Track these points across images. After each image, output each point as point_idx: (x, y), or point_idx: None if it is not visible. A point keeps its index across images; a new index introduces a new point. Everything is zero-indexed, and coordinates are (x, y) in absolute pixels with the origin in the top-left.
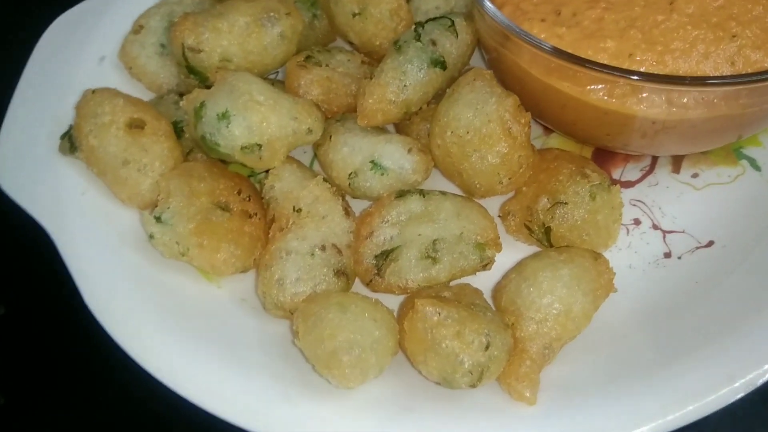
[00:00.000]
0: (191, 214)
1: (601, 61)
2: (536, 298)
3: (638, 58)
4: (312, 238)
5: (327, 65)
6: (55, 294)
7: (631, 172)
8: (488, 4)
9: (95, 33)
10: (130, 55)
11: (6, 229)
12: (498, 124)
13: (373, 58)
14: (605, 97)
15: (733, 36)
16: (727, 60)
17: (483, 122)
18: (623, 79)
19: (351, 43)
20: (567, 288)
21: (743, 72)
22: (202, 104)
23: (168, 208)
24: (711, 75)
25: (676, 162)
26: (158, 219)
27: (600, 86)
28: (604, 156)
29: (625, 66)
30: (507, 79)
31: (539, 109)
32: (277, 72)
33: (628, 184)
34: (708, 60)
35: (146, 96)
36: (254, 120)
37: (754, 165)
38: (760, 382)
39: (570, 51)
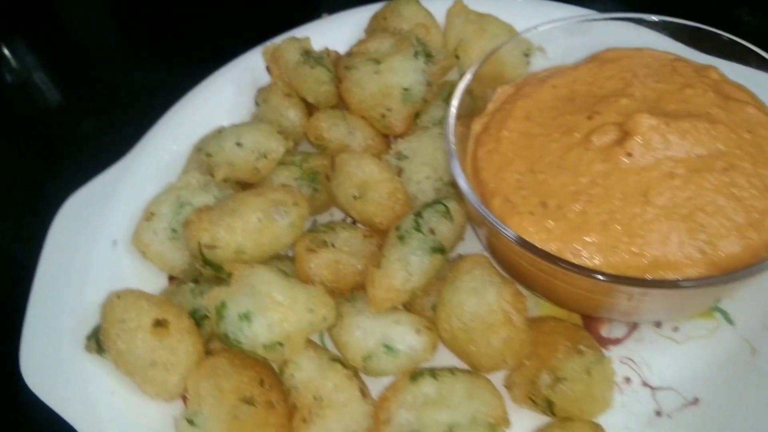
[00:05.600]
0: (221, 415)
1: (589, 253)
2: None
3: (621, 250)
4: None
5: (333, 245)
6: None
7: (617, 327)
8: (479, 205)
9: (106, 216)
10: (144, 242)
11: None
12: (499, 314)
13: (373, 231)
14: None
15: (702, 226)
16: (698, 250)
17: (486, 311)
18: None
19: (351, 216)
20: None
21: (714, 258)
22: (223, 304)
23: (200, 410)
24: (682, 262)
25: None
26: (191, 422)
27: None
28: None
29: (608, 257)
30: (499, 255)
31: (530, 285)
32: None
33: (616, 341)
34: (682, 250)
35: (159, 276)
36: (275, 319)
37: (727, 318)
38: None
39: (560, 243)
